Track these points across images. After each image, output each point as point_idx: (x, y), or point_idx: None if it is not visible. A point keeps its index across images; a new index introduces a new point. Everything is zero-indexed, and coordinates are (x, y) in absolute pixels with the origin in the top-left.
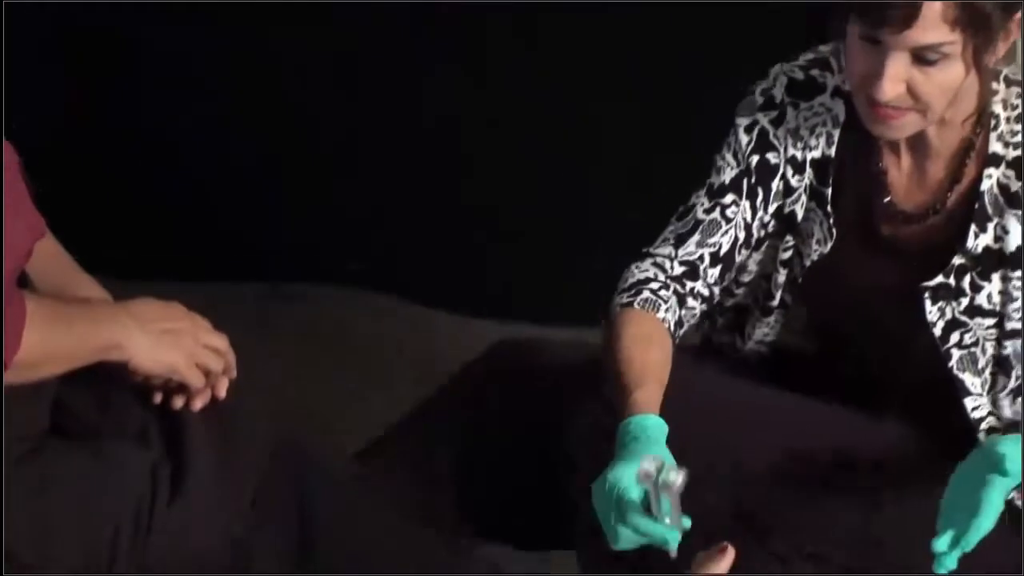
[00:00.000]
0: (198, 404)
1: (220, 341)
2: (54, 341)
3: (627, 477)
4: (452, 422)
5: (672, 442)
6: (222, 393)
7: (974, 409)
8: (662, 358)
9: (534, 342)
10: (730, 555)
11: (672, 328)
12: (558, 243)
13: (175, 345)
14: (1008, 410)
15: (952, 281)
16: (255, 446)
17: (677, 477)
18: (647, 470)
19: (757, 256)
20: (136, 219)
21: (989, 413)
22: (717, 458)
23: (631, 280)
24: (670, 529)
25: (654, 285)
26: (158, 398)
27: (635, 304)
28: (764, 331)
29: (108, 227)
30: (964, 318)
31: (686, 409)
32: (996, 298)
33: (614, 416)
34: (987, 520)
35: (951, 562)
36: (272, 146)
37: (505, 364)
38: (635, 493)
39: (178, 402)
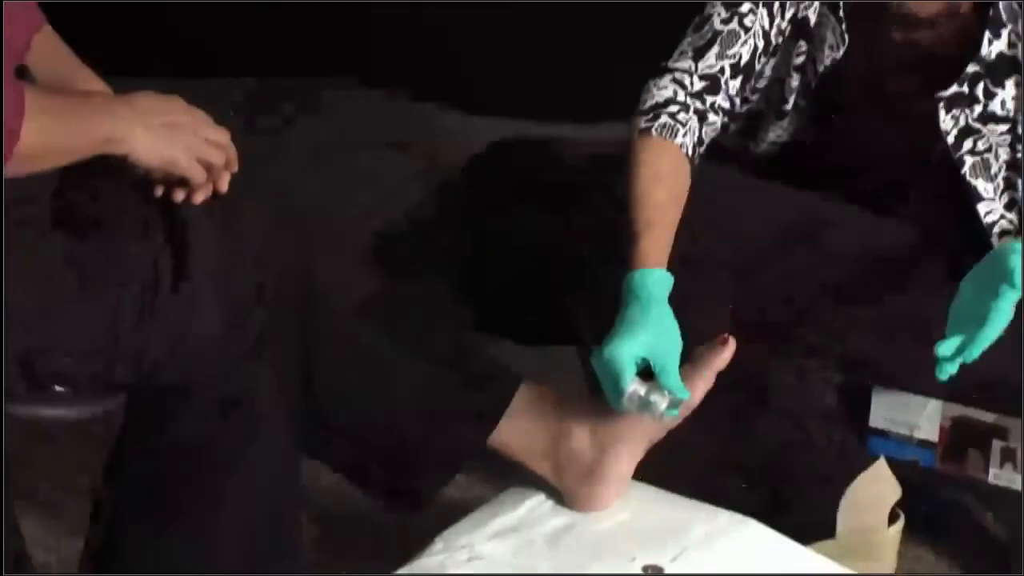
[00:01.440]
0: (199, 198)
1: (221, 135)
2: (53, 133)
3: (622, 357)
4: (454, 218)
5: (682, 239)
6: (223, 187)
7: (987, 214)
8: (675, 193)
9: (537, 140)
10: (731, 347)
11: (690, 151)
12: (564, 37)
13: (175, 139)
14: None
15: (966, 89)
16: (257, 239)
17: (661, 403)
18: (633, 394)
19: (772, 61)
20: (136, 14)
21: (1001, 216)
22: (724, 255)
23: (649, 102)
24: (668, 410)
25: (673, 108)
26: (159, 192)
27: (653, 131)
28: (777, 133)
29: (108, 22)
30: (977, 125)
31: (696, 209)
32: (1010, 104)
33: (619, 215)
34: (993, 331)
35: (952, 368)
36: None
37: (508, 162)
38: (630, 375)
39: (179, 195)
